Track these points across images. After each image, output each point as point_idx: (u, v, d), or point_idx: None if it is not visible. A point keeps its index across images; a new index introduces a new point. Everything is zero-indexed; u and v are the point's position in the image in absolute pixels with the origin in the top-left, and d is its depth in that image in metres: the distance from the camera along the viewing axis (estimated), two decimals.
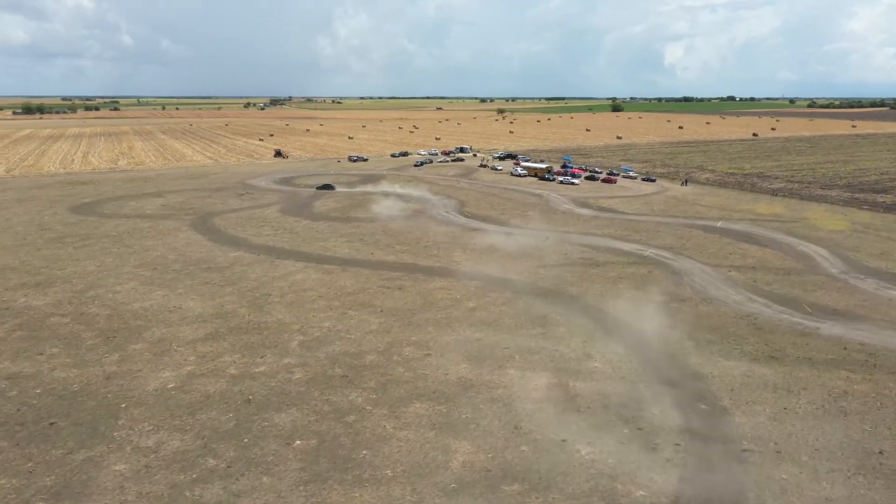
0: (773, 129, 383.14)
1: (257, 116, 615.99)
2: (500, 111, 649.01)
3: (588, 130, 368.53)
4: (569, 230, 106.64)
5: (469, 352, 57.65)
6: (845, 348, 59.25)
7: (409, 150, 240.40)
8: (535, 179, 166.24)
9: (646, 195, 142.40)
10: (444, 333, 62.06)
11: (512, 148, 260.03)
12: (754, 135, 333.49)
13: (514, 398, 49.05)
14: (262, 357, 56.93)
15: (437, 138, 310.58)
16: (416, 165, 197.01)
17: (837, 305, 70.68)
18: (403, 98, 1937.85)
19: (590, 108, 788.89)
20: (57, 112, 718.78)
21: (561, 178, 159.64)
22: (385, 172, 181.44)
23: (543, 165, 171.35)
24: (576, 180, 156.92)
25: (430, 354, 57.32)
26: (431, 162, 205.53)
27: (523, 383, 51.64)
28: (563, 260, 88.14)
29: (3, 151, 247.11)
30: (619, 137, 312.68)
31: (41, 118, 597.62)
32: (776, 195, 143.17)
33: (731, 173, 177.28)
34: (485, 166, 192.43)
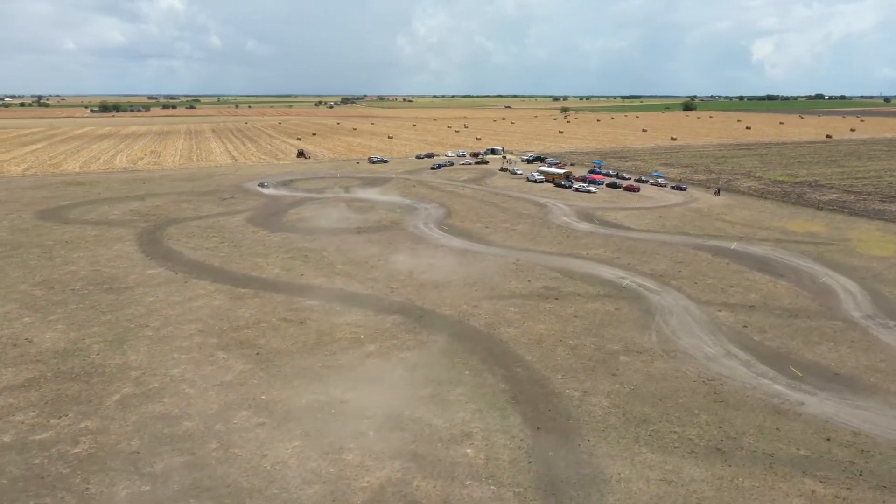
0: (852, 129, 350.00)
1: (318, 115, 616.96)
2: (564, 110, 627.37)
3: (644, 131, 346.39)
4: (550, 250, 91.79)
5: (317, 423, 44.81)
6: (829, 439, 43.25)
7: (438, 152, 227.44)
8: (550, 186, 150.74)
9: (664, 207, 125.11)
10: (304, 391, 49.62)
11: (553, 149, 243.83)
12: (828, 136, 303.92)
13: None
14: (59, 418, 45.74)
15: (477, 138, 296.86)
16: (432, 168, 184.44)
17: (842, 367, 54.03)
18: (476, 96, 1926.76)
19: (666, 107, 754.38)
20: (130, 110, 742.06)
21: (577, 186, 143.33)
22: (394, 176, 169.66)
23: (561, 171, 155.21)
24: (592, 188, 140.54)
25: (263, 424, 44.60)
26: (452, 165, 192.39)
27: (359, 476, 38.41)
28: (520, 289, 73.74)
29: (40, 150, 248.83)
30: (673, 139, 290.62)
31: (113, 116, 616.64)
32: (821, 209, 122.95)
33: (779, 181, 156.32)
34: (505, 170, 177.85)
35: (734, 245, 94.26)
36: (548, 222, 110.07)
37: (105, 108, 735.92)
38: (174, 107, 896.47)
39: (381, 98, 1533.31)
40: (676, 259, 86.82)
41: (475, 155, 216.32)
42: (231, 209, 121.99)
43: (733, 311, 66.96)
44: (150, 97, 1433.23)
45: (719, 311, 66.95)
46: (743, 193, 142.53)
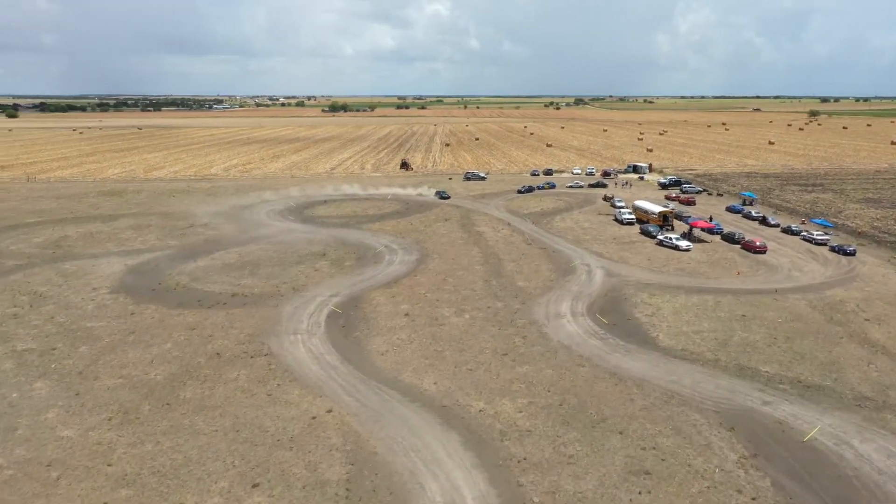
0: None
1: (519, 116, 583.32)
2: (813, 113, 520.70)
3: (895, 143, 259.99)
4: (463, 387, 48.01)
5: None
6: None
7: (571, 167, 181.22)
8: (636, 231, 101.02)
9: (775, 292, 71.42)
10: None
11: (731, 168, 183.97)
12: None
13: None
14: None
15: (648, 150, 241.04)
16: (519, 192, 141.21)
17: None
18: (733, 97, 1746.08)
19: None
20: (357, 110, 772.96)
21: (662, 237, 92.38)
22: (449, 202, 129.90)
23: (656, 210, 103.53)
24: (683, 244, 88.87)
25: None
26: (553, 188, 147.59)
27: None
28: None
29: (186, 151, 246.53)
30: None
31: (335, 115, 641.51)
32: None
33: None
34: (608, 200, 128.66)
35: (812, 434, 42.20)
36: (530, 331, 64.17)
37: (334, 108, 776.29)
38: (407, 107, 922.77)
39: (621, 99, 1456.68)
40: (666, 432, 38.45)
41: (606, 174, 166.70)
42: (151, 249, 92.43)
43: None
44: (400, 97, 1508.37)
45: None
46: None
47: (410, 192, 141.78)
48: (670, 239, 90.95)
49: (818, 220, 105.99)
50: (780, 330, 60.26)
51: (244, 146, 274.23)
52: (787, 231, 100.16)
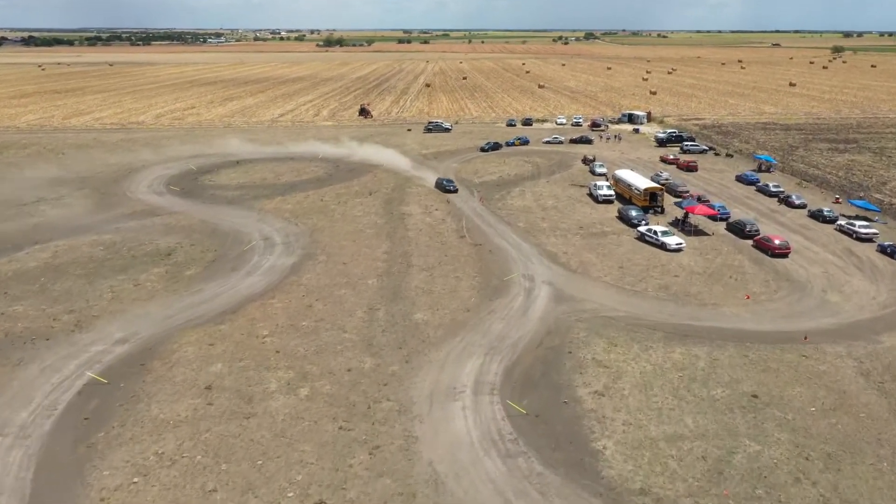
0: None
1: (536, 53, 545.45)
2: (837, 49, 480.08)
3: None
4: None
5: None
6: None
7: (560, 115, 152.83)
8: (615, 215, 75.11)
9: (804, 339, 46.20)
10: None
11: (746, 117, 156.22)
12: None
13: None
14: None
15: (652, 92, 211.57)
16: (483, 150, 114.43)
17: None
18: (754, 32, 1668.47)
19: None
20: (354, 45, 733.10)
21: (644, 230, 66.34)
22: (387, 166, 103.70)
23: (642, 184, 76.98)
24: (673, 241, 63.37)
25: None
26: (526, 143, 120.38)
27: None
28: None
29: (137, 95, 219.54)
30: None
31: (327, 51, 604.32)
32: None
33: None
34: (588, 163, 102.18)
35: None
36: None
37: (329, 42, 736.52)
38: (408, 41, 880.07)
39: (634, 34, 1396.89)
40: None
41: (594, 125, 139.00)
42: None
43: None
44: (405, 31, 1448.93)
45: None
46: None
47: (348, 151, 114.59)
48: (655, 234, 64.97)
49: (858, 202, 79.52)
50: (816, 435, 35.36)
51: (202, 87, 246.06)
52: (818, 217, 73.96)
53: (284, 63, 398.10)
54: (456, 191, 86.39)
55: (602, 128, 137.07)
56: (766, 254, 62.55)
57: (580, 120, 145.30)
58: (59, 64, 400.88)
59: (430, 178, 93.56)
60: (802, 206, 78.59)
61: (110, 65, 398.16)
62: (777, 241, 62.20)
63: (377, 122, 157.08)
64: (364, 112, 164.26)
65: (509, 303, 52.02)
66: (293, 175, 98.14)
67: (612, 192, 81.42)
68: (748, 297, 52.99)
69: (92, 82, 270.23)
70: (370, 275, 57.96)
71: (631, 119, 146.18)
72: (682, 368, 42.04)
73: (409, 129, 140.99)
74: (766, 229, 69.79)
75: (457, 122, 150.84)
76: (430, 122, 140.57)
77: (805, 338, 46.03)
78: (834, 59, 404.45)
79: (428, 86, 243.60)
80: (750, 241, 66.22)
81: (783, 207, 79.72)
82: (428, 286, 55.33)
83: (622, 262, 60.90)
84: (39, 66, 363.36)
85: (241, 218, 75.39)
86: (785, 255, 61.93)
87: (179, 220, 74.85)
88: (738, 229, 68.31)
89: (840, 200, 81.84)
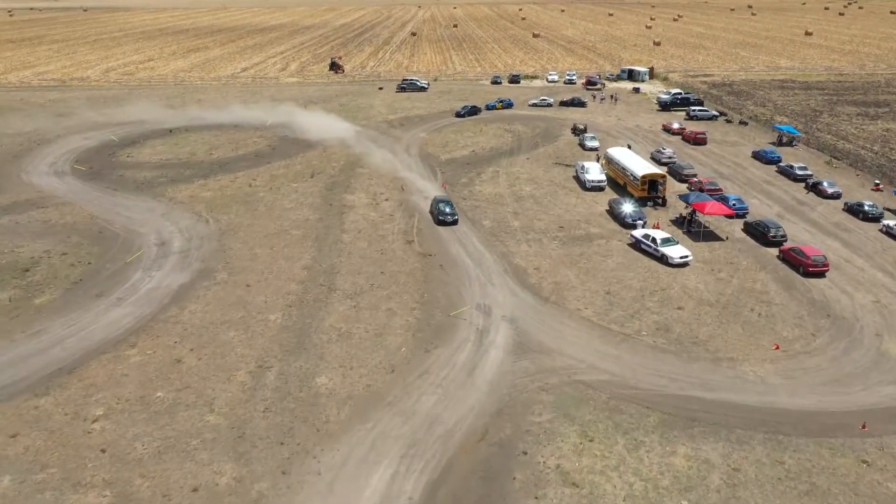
0: None
1: None
2: None
3: None
4: None
5: None
6: None
7: (553, 73, 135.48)
8: (605, 208, 60.42)
9: (863, 427, 32.88)
10: None
11: (763, 72, 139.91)
12: None
13: None
14: None
15: (655, 42, 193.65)
16: (457, 115, 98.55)
17: None
18: None
19: None
20: None
21: (640, 235, 51.63)
22: (342, 138, 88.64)
23: (639, 170, 61.73)
24: (676, 252, 49.24)
25: None
26: (510, 106, 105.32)
27: None
28: None
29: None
30: None
31: None
32: None
33: None
34: (577, 133, 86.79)
35: None
36: None
37: None
38: None
39: None
40: None
41: (590, 83, 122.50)
42: None
43: None
44: None
45: None
46: None
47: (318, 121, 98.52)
48: (654, 243, 50.42)
49: None
50: None
51: (170, 36, 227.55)
52: (857, 212, 59.33)
53: (269, 8, 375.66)
54: (455, 222, 57.71)
55: (598, 86, 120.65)
56: (797, 270, 48.19)
57: (573, 77, 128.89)
58: (31, 9, 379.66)
59: (390, 153, 78.69)
60: (836, 196, 63.89)
61: (84, 10, 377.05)
62: (812, 256, 47.68)
63: (348, 77, 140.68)
64: (335, 66, 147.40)
65: (452, 356, 37.99)
66: (229, 148, 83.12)
67: (602, 178, 66.55)
68: (777, 347, 38.92)
69: (55, 30, 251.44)
70: (276, 305, 43.78)
71: (631, 76, 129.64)
72: (688, 487, 28.26)
73: (380, 88, 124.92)
74: (794, 230, 55.39)
75: (436, 79, 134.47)
76: (404, 80, 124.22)
77: (863, 426, 32.08)
78: (849, 4, 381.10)
79: (414, 34, 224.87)
80: (774, 249, 51.73)
81: (812, 197, 64.92)
82: (348, 326, 41.20)
83: (610, 284, 46.62)
84: (9, 13, 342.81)
85: (143, 212, 60.83)
86: (823, 274, 47.55)
87: (64, 214, 60.32)
88: (760, 232, 53.82)
89: (881, 187, 66.90)
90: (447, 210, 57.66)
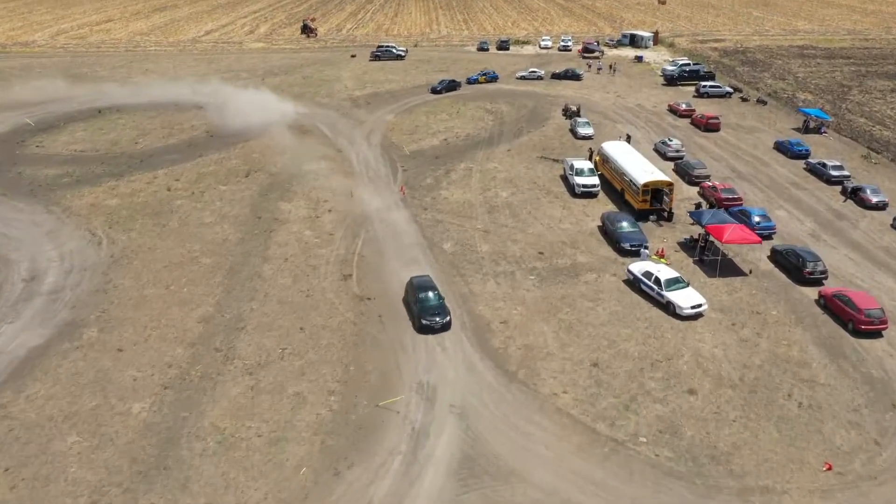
0: None
1: None
2: None
3: None
4: None
5: None
6: None
7: (546, 38, 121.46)
8: (597, 223, 48.41)
9: None
10: None
11: (780, 37, 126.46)
12: None
13: None
14: None
15: (661, 1, 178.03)
16: (433, 91, 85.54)
17: None
18: None
19: None
20: None
21: (639, 272, 39.68)
22: (297, 118, 76.24)
23: (641, 177, 49.48)
24: (686, 302, 37.91)
25: None
26: (495, 79, 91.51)
27: None
28: None
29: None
30: None
31: None
32: None
33: None
34: (569, 115, 74.21)
35: None
36: None
37: None
38: None
39: None
40: None
41: (587, 50, 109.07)
42: None
43: None
44: None
45: None
46: None
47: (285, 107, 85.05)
48: (657, 285, 38.64)
49: None
50: None
51: None
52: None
53: None
54: (447, 326, 36.42)
55: (596, 54, 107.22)
56: (845, 327, 36.65)
57: (569, 43, 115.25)
58: None
59: (349, 143, 66.45)
60: (882, 207, 52.01)
61: None
62: (866, 309, 35.98)
63: (320, 42, 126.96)
64: (307, 30, 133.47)
65: (370, 484, 26.79)
66: (160, 135, 70.83)
67: (595, 182, 54.50)
68: (829, 468, 27.54)
69: None
70: (147, 386, 32.40)
71: (633, 41, 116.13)
72: None
73: (353, 56, 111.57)
74: (833, 259, 43.76)
75: (416, 45, 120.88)
76: (378, 47, 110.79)
77: None
78: None
79: None
80: (810, 289, 40.09)
81: (851, 207, 52.93)
82: (235, 426, 29.87)
83: (599, 350, 35.12)
84: None
85: (26, 228, 49.05)
86: (879, 333, 36.01)
87: None
88: (792, 262, 42.03)
89: None
90: (433, 304, 36.27)
